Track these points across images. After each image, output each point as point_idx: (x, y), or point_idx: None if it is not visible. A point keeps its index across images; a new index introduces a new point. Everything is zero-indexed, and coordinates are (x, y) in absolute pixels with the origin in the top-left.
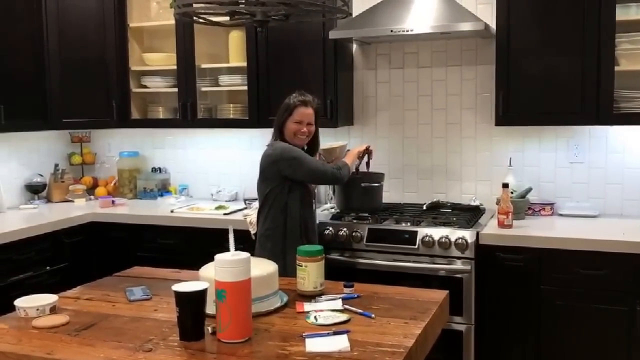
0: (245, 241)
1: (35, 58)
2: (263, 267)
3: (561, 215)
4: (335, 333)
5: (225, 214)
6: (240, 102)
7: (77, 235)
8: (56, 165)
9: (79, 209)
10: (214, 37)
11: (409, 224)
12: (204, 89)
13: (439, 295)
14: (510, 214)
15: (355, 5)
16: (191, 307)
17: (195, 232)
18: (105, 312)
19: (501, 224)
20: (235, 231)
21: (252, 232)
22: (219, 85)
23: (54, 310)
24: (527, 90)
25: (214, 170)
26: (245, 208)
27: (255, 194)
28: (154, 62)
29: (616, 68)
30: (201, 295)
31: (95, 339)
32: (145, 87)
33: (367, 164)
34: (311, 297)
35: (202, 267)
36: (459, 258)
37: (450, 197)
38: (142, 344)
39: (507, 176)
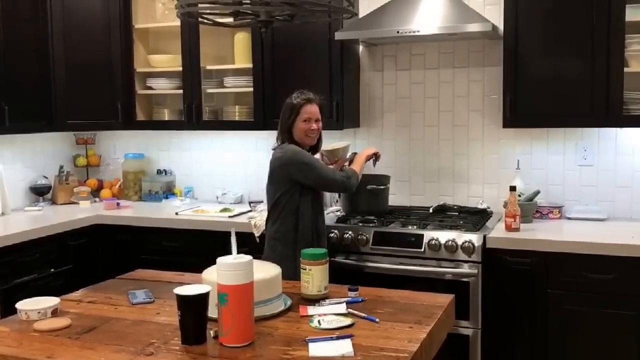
0: (249, 244)
1: (40, 60)
2: (266, 270)
3: (569, 218)
4: (339, 337)
5: (229, 216)
6: (246, 104)
7: (82, 238)
8: (61, 167)
9: (83, 211)
10: (219, 38)
11: (415, 227)
12: (209, 90)
13: (445, 299)
14: (518, 217)
15: (361, 6)
16: (193, 310)
17: (200, 234)
18: (107, 315)
19: (508, 227)
20: (239, 234)
21: (257, 234)
22: (224, 87)
23: (55, 313)
24: (534, 92)
25: (220, 173)
26: (250, 211)
27: (260, 197)
28: (159, 63)
29: (626, 69)
30: (203, 298)
31: (97, 343)
32: (150, 88)
33: (374, 163)
34: (315, 300)
35: (205, 270)
36: (465, 262)
37: (458, 200)
38: (144, 348)
39: (514, 179)
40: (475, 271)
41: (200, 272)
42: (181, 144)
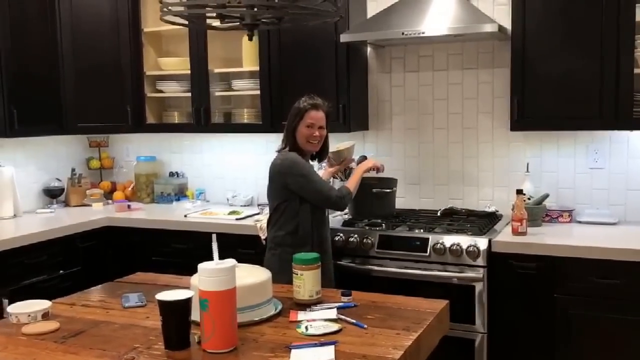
0: (256, 246)
1: (49, 63)
2: (256, 275)
3: (580, 222)
4: (323, 344)
5: (237, 219)
6: (254, 107)
7: (92, 240)
8: (73, 169)
9: (95, 214)
10: (227, 41)
11: (421, 230)
12: (217, 93)
13: (438, 305)
14: (525, 220)
15: (369, 7)
16: (175, 316)
17: (208, 237)
18: (97, 319)
19: (515, 231)
20: (245, 237)
21: (262, 237)
22: (232, 90)
23: (46, 316)
24: (543, 94)
25: (230, 175)
26: (258, 213)
27: None
28: (168, 66)
29: (636, 70)
30: (185, 304)
31: (81, 347)
32: (160, 91)
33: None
34: (307, 305)
35: (194, 275)
36: (470, 266)
37: (467, 204)
38: (126, 352)
39: (524, 182)
40: (481, 275)
41: None
42: (193, 147)
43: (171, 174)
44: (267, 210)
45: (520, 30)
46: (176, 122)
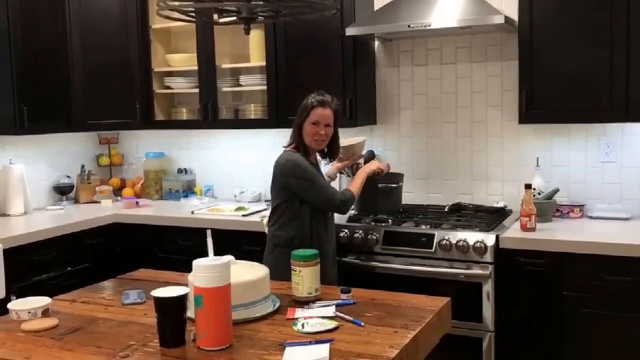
0: (262, 243)
1: (58, 61)
2: (253, 272)
3: (591, 217)
4: (318, 342)
5: (244, 215)
6: (261, 102)
7: (100, 237)
8: (82, 166)
9: (104, 210)
10: (235, 36)
11: (428, 226)
12: (225, 89)
13: (438, 302)
14: (533, 216)
15: (376, 0)
16: (170, 313)
17: (214, 233)
18: (96, 316)
19: (524, 227)
20: (251, 233)
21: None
22: (240, 86)
23: (46, 313)
24: (551, 86)
25: (238, 171)
26: (265, 209)
27: None
28: (177, 62)
29: None
30: (180, 301)
31: (77, 344)
32: (168, 88)
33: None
34: (305, 303)
35: (191, 273)
36: (477, 262)
37: (476, 199)
38: (121, 350)
39: (534, 177)
40: (488, 272)
41: None
42: (201, 143)
43: (179, 171)
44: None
45: (527, 22)
46: (185, 118)
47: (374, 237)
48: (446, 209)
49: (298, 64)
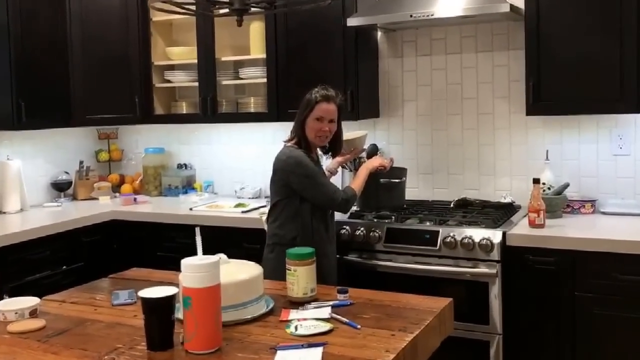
0: (262, 241)
1: (57, 55)
2: (246, 271)
3: (603, 213)
4: (310, 345)
5: (243, 212)
6: (261, 96)
7: (96, 234)
8: (81, 162)
9: (101, 207)
10: (235, 28)
11: (432, 223)
12: (225, 82)
13: (439, 303)
14: (542, 212)
15: None
16: (157, 314)
17: (213, 230)
18: (84, 317)
19: (532, 223)
20: (251, 230)
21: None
22: (240, 79)
23: (34, 314)
24: (560, 76)
25: (239, 167)
26: (264, 206)
27: None
28: (177, 56)
29: None
30: (167, 302)
31: (62, 347)
32: (168, 82)
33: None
34: (300, 303)
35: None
36: (483, 260)
37: (483, 194)
38: (107, 353)
39: (543, 171)
40: (494, 271)
41: None
42: (201, 138)
43: (179, 166)
44: None
45: (534, 10)
46: (185, 112)
47: (376, 235)
48: (451, 205)
49: (299, 55)
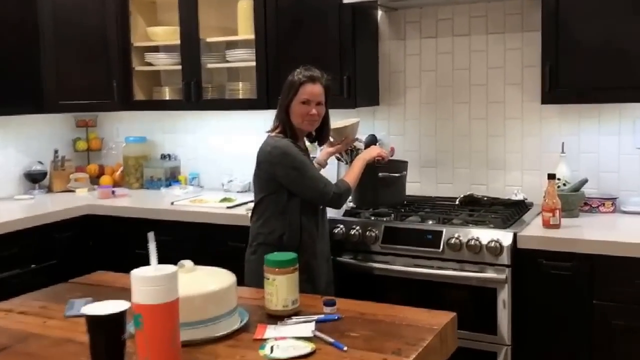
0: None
1: (26, 34)
2: (217, 281)
3: (625, 212)
4: None
5: (228, 207)
6: (250, 81)
7: (70, 230)
8: (56, 151)
9: (77, 200)
10: (221, 7)
11: (435, 222)
12: (210, 65)
13: (441, 318)
14: (558, 211)
15: None
16: (104, 334)
17: (195, 227)
18: (30, 331)
19: (546, 224)
20: (236, 228)
21: None
22: (226, 62)
23: None
24: (579, 61)
25: (226, 158)
26: (252, 201)
27: None
28: (159, 37)
29: None
30: (115, 320)
31: None
32: (149, 64)
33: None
34: (280, 317)
35: None
36: (491, 264)
37: (492, 190)
38: None
39: (559, 165)
40: (503, 276)
41: None
42: (187, 126)
43: (163, 157)
44: None
45: None
46: (167, 98)
47: (373, 234)
48: (457, 202)
49: (290, 37)
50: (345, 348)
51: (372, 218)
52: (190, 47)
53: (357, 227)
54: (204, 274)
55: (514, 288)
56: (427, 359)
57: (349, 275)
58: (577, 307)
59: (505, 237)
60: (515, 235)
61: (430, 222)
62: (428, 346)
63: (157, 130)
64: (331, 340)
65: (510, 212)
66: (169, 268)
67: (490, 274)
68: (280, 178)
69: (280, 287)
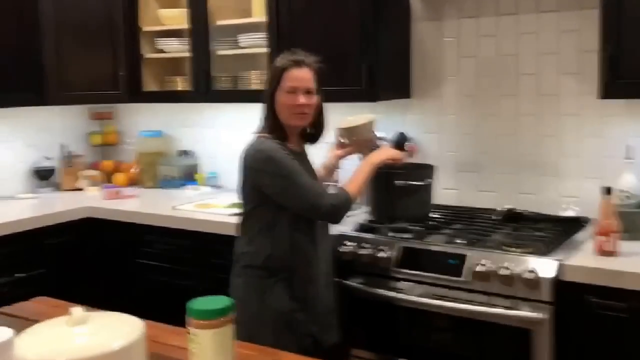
0: None
1: (25, 20)
2: (119, 335)
3: None
4: None
5: (235, 214)
6: (264, 69)
7: (64, 235)
8: (63, 146)
9: (82, 201)
10: None
11: (463, 242)
12: (221, 52)
13: None
14: (615, 234)
15: None
16: None
17: (197, 236)
18: None
19: (599, 250)
20: None
21: None
22: (239, 47)
23: None
24: None
25: None
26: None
27: None
28: (169, 20)
29: None
30: None
31: None
32: (161, 51)
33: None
34: None
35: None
36: (527, 300)
37: (543, 201)
38: None
39: (623, 173)
40: (542, 316)
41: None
42: (203, 119)
43: (180, 153)
44: None
45: None
46: (179, 89)
47: (387, 255)
48: (493, 217)
49: (305, 17)
50: None
51: (389, 235)
52: (199, 31)
53: (369, 246)
54: (101, 325)
55: (555, 331)
56: None
57: (357, 301)
58: (634, 356)
59: (546, 266)
60: (560, 264)
61: (458, 241)
62: None
63: (175, 124)
64: None
65: (558, 232)
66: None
67: (525, 312)
68: (265, 188)
69: (206, 348)
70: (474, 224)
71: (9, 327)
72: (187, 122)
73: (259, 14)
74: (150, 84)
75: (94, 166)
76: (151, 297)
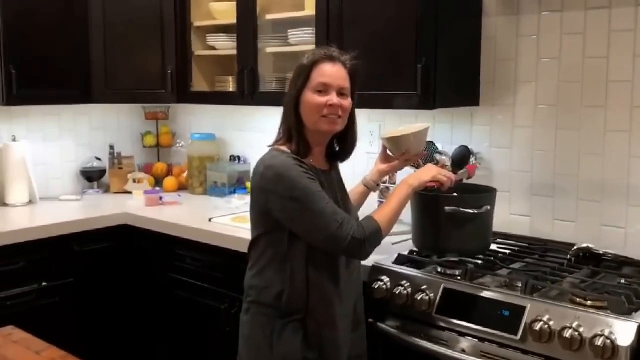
0: None
1: (71, 16)
2: None
3: None
4: None
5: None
6: None
7: (96, 243)
8: (111, 146)
9: (123, 206)
10: None
11: (522, 287)
12: (268, 49)
13: None
14: None
15: None
16: None
17: (228, 253)
18: None
19: None
20: None
21: None
22: (289, 44)
23: None
24: None
25: None
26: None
27: None
28: (222, 14)
29: None
30: None
31: None
32: (212, 48)
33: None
34: None
35: None
36: None
37: (632, 237)
38: None
39: None
40: None
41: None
42: (254, 123)
43: (232, 158)
44: None
45: None
46: (230, 89)
47: (426, 297)
48: (567, 256)
49: (357, 11)
50: None
51: (433, 272)
52: (246, 26)
53: (407, 284)
54: None
55: None
56: None
57: (391, 347)
58: None
59: (623, 329)
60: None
61: (519, 284)
62: None
63: (227, 127)
64: None
65: None
66: None
67: None
68: (275, 212)
69: None
70: (542, 263)
71: None
72: (238, 125)
73: (310, 7)
74: (200, 83)
75: (145, 168)
76: (176, 315)
